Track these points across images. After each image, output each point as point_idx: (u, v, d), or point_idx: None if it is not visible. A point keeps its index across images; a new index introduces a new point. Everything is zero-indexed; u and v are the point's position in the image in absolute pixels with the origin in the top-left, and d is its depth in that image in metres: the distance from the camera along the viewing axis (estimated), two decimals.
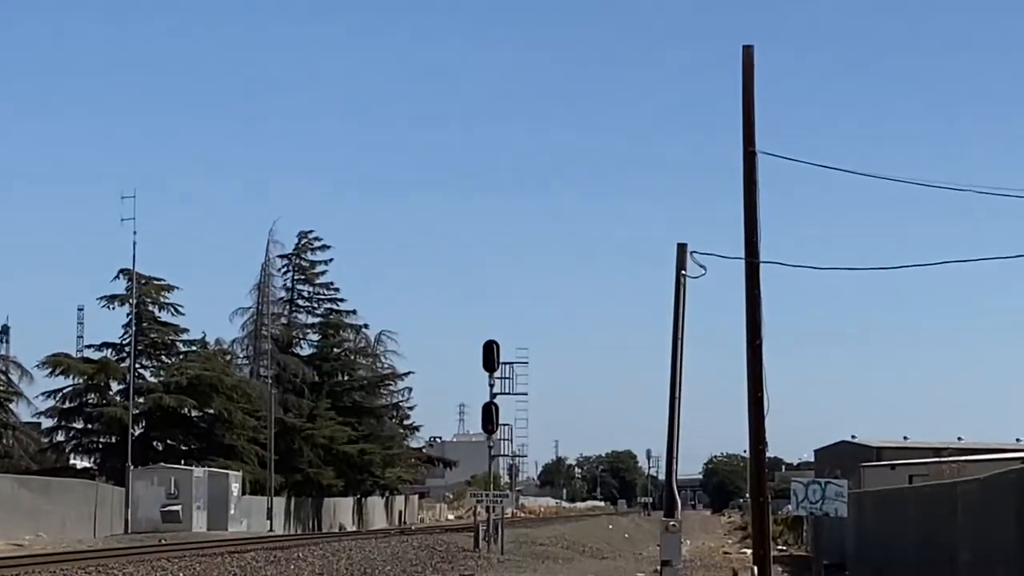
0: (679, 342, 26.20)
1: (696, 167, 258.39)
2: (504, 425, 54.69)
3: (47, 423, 75.90)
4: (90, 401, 73.59)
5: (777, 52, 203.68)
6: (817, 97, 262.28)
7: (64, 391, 73.12)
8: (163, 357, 76.89)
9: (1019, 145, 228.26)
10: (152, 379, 75.33)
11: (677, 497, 26.24)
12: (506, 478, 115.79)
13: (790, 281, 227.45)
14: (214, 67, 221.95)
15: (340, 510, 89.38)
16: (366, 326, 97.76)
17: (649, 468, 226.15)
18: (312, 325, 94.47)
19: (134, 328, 71.07)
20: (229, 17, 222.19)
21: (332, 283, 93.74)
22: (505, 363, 50.41)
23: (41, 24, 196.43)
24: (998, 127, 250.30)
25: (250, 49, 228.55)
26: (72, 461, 76.51)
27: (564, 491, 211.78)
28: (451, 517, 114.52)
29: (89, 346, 78.76)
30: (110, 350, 74.99)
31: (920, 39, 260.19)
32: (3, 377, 72.98)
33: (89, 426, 73.89)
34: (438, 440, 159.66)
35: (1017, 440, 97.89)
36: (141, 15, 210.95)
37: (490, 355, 48.88)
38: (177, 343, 77.38)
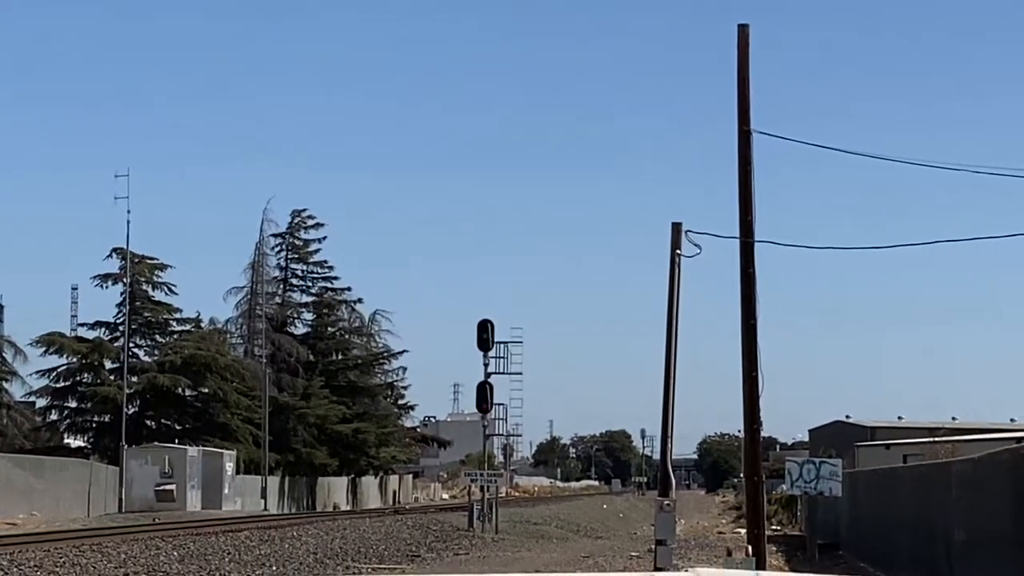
0: (674, 322, 26.16)
1: (692, 147, 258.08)
2: (498, 404, 54.79)
3: (41, 402, 76.00)
4: (84, 380, 73.56)
5: (774, 31, 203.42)
6: (815, 76, 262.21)
7: (58, 370, 73.12)
8: (157, 336, 76.82)
9: (1020, 125, 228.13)
10: (146, 358, 75.33)
11: (672, 476, 26.22)
12: (500, 457, 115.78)
13: (785, 260, 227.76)
14: (208, 47, 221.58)
15: (334, 489, 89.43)
16: (360, 300, 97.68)
17: (644, 448, 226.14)
18: (306, 304, 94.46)
19: (128, 307, 71.01)
20: None
21: (326, 261, 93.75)
22: (500, 342, 50.49)
23: (34, 7, 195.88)
24: (997, 106, 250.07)
25: (244, 29, 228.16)
26: (66, 440, 76.55)
27: (558, 471, 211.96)
28: (445, 497, 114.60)
29: (83, 325, 78.76)
30: (104, 329, 74.96)
31: (917, 17, 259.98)
32: None
33: (83, 405, 73.87)
34: (432, 419, 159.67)
35: (1011, 420, 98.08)
36: None
37: (484, 334, 48.87)
38: (171, 322, 77.33)
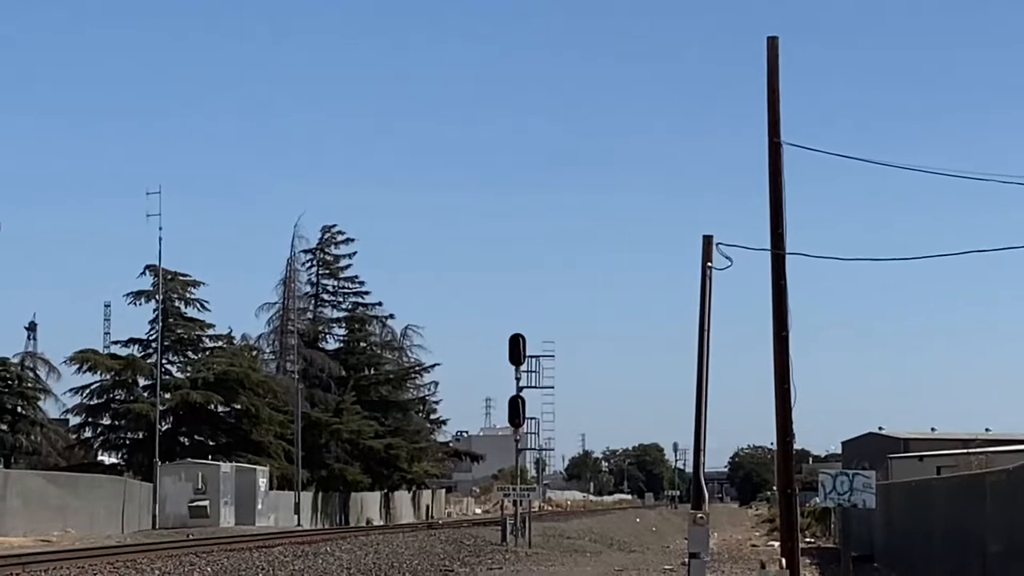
0: (705, 334, 26.10)
1: (723, 159, 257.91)
2: (531, 419, 54.57)
3: (74, 420, 76.23)
4: (117, 397, 73.76)
5: (805, 43, 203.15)
6: (845, 88, 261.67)
7: (91, 387, 73.33)
8: (189, 353, 76.99)
9: None
10: (179, 375, 75.47)
11: (704, 490, 26.14)
12: (533, 472, 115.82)
13: (816, 272, 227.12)
14: (238, 63, 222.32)
15: (367, 504, 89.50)
16: (391, 316, 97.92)
17: (676, 461, 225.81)
18: (338, 320, 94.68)
19: (160, 324, 71.21)
20: (253, 16, 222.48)
21: (357, 277, 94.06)
22: (531, 356, 50.25)
23: (66, 26, 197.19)
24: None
25: (274, 45, 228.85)
26: (100, 457, 76.82)
27: (591, 484, 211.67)
28: (478, 511, 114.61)
29: (116, 342, 79.05)
30: (137, 346, 75.14)
31: (949, 30, 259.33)
32: (31, 374, 73.26)
33: (116, 422, 74.05)
34: (465, 434, 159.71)
35: None
36: (166, 17, 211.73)
37: (516, 348, 48.78)
38: (203, 339, 77.50)
